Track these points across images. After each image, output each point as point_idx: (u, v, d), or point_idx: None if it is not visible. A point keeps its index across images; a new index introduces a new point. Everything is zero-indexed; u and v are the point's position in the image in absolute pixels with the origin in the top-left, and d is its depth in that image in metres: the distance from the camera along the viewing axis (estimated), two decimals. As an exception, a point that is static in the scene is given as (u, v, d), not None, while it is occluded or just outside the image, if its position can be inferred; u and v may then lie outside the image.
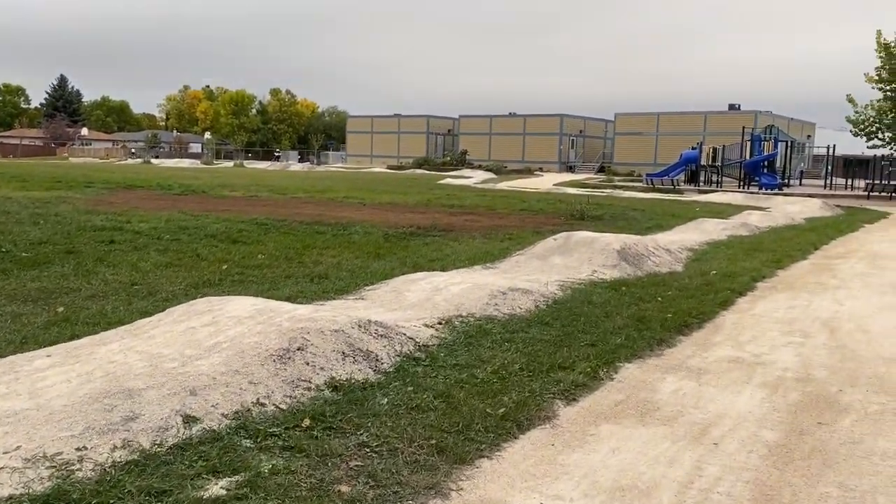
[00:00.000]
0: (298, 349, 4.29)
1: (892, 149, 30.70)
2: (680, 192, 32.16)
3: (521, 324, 5.98)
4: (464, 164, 56.79)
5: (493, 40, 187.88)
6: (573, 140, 61.54)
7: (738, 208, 21.58)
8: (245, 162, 66.68)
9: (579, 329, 5.92)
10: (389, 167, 58.56)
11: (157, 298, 6.32)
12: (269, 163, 67.65)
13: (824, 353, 5.67)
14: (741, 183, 33.61)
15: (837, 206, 23.50)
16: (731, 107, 51.81)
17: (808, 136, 57.51)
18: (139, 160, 68.44)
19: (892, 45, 28.13)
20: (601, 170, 55.97)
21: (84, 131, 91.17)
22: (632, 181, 41.32)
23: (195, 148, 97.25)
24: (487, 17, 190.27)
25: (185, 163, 62.61)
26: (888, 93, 28.74)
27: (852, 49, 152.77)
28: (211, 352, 4.18)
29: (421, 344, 5.09)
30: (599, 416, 4.13)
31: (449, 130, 69.39)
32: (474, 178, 43.33)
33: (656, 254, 10.05)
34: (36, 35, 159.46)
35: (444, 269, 8.54)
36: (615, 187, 35.34)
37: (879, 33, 28.48)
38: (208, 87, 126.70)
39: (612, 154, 57.72)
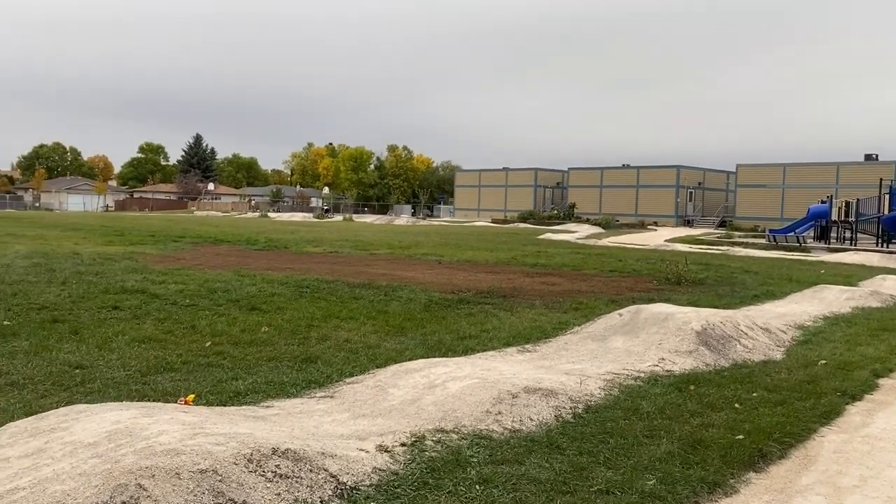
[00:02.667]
0: (123, 505, 2.91)
1: None
2: (806, 250, 28.93)
3: (520, 448, 4.36)
4: (572, 218, 54.85)
5: (606, 93, 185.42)
6: (691, 192, 58.29)
7: (872, 271, 18.64)
8: (355, 216, 67.68)
9: (601, 460, 4.23)
10: (494, 221, 57.51)
11: (76, 392, 5.18)
12: (375, 216, 68.36)
13: (976, 523, 3.69)
14: (879, 241, 29.87)
15: None
16: (868, 157, 47.31)
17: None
18: (257, 214, 71.10)
19: None
20: (722, 224, 52.45)
21: (210, 186, 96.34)
22: (754, 237, 38.02)
23: (316, 202, 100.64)
24: (600, 71, 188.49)
25: (298, 217, 64.29)
26: None
27: None
28: (-7, 506, 2.88)
29: (349, 486, 3.59)
30: None
31: (558, 183, 67.77)
32: (578, 232, 41.39)
33: (750, 335, 8.06)
34: (177, 96, 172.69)
35: (469, 352, 7.00)
36: (733, 244, 32.41)
37: None
38: (331, 144, 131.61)
39: (734, 207, 54.04)
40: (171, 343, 6.90)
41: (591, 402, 5.41)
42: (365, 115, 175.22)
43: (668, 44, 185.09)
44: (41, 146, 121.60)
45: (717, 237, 38.03)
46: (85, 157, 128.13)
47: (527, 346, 7.50)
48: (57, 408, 4.61)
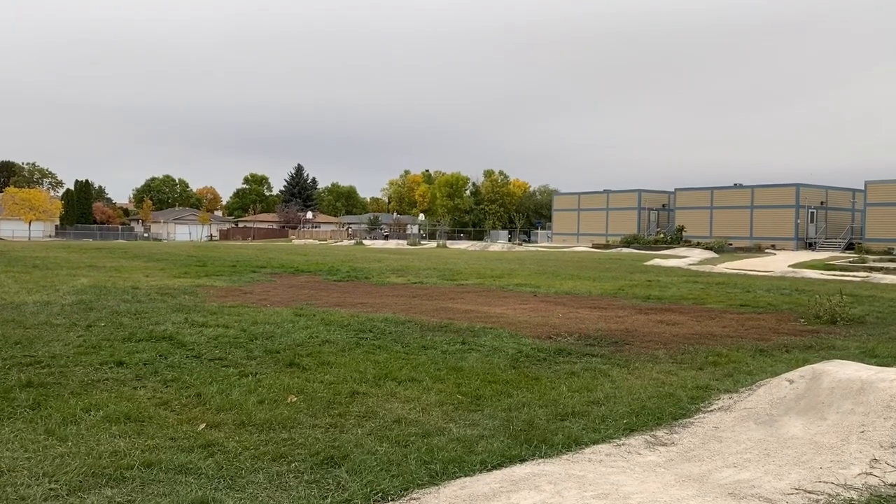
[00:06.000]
0: None
1: None
2: (968, 276, 24.67)
3: None
4: (680, 242, 51.05)
5: (715, 113, 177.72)
6: (812, 213, 53.31)
7: None
8: (450, 242, 66.09)
9: None
10: (595, 245, 54.40)
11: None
12: (470, 243, 66.50)
13: None
14: None
15: None
16: None
17: None
18: (353, 242, 70.77)
19: None
20: (849, 247, 47.45)
21: (309, 215, 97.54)
22: (891, 261, 33.51)
23: (413, 229, 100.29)
24: (704, 89, 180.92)
25: (392, 244, 63.29)
26: None
27: None
28: None
29: None
30: None
31: (663, 205, 63.89)
32: (690, 257, 37.92)
33: None
34: (279, 129, 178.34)
35: (572, 445, 4.72)
36: (871, 269, 28.38)
37: None
38: (427, 171, 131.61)
39: (864, 228, 48.79)
40: (155, 423, 4.99)
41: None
42: (461, 141, 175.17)
43: (780, 59, 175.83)
44: (153, 179, 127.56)
45: (849, 262, 33.81)
46: (194, 188, 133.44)
47: (658, 432, 5.12)
48: None
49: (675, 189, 61.15)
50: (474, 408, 5.64)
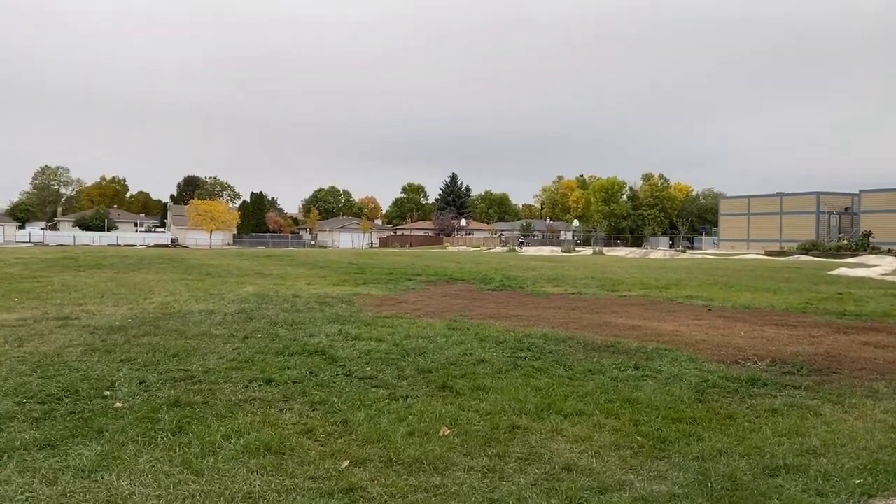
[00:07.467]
0: None
1: None
2: None
3: None
4: (867, 249, 46.01)
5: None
6: None
7: None
8: (605, 249, 63.96)
9: None
10: (767, 253, 50.27)
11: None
12: (628, 250, 63.92)
13: None
14: None
15: None
16: None
17: None
18: (505, 248, 70.45)
19: None
20: None
21: (462, 222, 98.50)
22: None
23: (567, 235, 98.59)
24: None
25: (546, 251, 62.23)
26: None
27: None
28: None
29: None
30: None
31: (846, 208, 58.15)
32: (881, 266, 33.88)
33: None
34: (435, 139, 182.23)
35: (794, 515, 3.70)
36: None
37: None
38: (581, 176, 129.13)
39: None
40: (296, 457, 4.51)
41: None
42: (616, 144, 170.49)
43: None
44: (319, 190, 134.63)
45: None
46: (356, 198, 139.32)
47: (910, 503, 3.96)
48: None
49: (860, 190, 55.49)
50: (658, 454, 4.71)
